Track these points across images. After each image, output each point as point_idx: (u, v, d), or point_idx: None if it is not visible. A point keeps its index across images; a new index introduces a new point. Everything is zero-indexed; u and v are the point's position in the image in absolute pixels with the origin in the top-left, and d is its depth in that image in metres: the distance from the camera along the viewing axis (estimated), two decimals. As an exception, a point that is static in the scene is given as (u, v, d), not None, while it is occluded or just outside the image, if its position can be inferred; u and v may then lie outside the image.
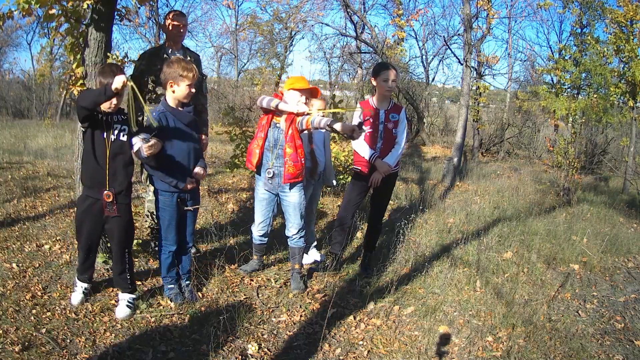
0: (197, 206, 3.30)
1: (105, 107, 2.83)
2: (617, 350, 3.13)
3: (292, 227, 3.64)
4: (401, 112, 3.93)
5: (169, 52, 3.79)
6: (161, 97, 3.37)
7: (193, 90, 3.04)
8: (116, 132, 2.89)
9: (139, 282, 3.44)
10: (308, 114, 3.42)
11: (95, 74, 2.88)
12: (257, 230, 3.76)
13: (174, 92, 3.02)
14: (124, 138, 2.91)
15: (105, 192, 2.88)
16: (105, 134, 2.86)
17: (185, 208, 3.19)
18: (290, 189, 3.55)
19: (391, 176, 4.00)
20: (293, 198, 3.58)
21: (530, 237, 5.14)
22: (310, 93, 3.54)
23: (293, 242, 3.67)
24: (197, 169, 3.18)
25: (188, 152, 3.11)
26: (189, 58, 3.86)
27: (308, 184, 3.89)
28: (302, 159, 3.51)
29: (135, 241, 3.78)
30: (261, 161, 3.53)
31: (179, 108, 3.07)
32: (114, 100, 2.84)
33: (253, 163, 3.54)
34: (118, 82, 2.57)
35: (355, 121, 3.80)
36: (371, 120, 3.87)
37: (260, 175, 3.60)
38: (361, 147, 3.90)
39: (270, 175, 3.51)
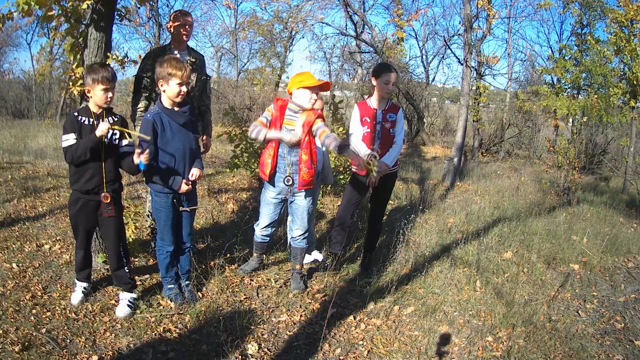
0: (193, 207, 3.28)
1: (101, 102, 2.86)
2: (617, 350, 3.13)
3: (298, 229, 3.63)
4: (398, 111, 3.95)
5: (174, 52, 3.79)
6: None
7: (184, 89, 2.99)
8: (109, 135, 2.90)
9: (138, 282, 3.44)
10: (297, 142, 3.37)
11: (85, 73, 2.89)
12: (262, 230, 3.72)
13: (164, 91, 3.00)
14: (116, 142, 2.95)
15: (103, 194, 2.92)
16: None
17: (182, 209, 3.18)
18: (302, 193, 3.56)
19: (390, 176, 3.99)
20: (303, 202, 3.58)
21: (530, 237, 5.14)
22: (321, 88, 3.49)
23: (296, 242, 3.68)
24: (193, 170, 3.16)
25: (183, 152, 3.09)
26: (192, 59, 3.85)
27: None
28: (316, 165, 3.51)
29: (133, 239, 3.80)
30: (274, 170, 3.48)
31: (175, 108, 3.05)
32: (110, 94, 2.86)
33: (267, 173, 3.47)
34: (103, 128, 2.77)
35: (355, 121, 3.88)
36: (368, 120, 3.89)
37: (274, 185, 3.52)
38: (359, 147, 3.90)
39: (290, 183, 3.48)
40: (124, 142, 2.97)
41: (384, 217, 4.62)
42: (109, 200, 2.94)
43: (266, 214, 3.64)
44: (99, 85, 2.81)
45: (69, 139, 2.81)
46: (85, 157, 2.81)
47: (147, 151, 2.83)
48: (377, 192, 4.10)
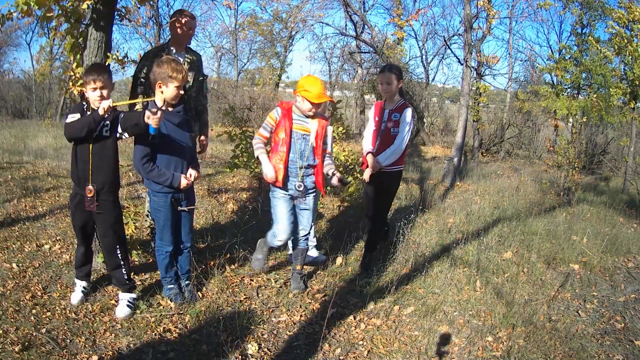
0: (192, 207, 3.27)
1: (92, 102, 2.88)
2: (617, 350, 3.13)
3: (303, 230, 3.64)
4: (403, 112, 3.92)
5: (172, 52, 3.77)
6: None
7: (181, 92, 3.01)
8: (98, 128, 2.90)
9: (138, 282, 3.44)
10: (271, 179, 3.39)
11: (83, 75, 2.91)
12: (283, 235, 3.49)
13: (162, 92, 3.01)
14: (107, 134, 2.93)
15: (88, 187, 2.91)
16: None
17: (180, 208, 3.18)
18: (312, 194, 3.59)
19: (386, 175, 3.97)
20: (311, 203, 3.61)
21: (530, 237, 5.14)
22: (321, 105, 3.47)
23: (300, 243, 3.69)
24: (191, 171, 3.17)
25: (180, 152, 3.09)
26: (191, 58, 3.84)
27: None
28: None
29: (133, 239, 3.80)
30: (287, 174, 3.45)
31: (169, 108, 3.06)
32: (98, 93, 2.85)
33: (280, 179, 3.41)
34: (104, 106, 2.76)
35: (369, 119, 4.15)
36: (377, 118, 4.05)
37: (286, 189, 3.50)
38: (364, 143, 4.09)
39: (301, 189, 3.48)
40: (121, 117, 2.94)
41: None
42: (92, 195, 2.91)
43: (284, 215, 3.47)
44: (89, 86, 2.84)
45: (75, 117, 2.84)
46: (82, 134, 2.80)
47: (159, 113, 2.79)
48: (375, 191, 4.11)
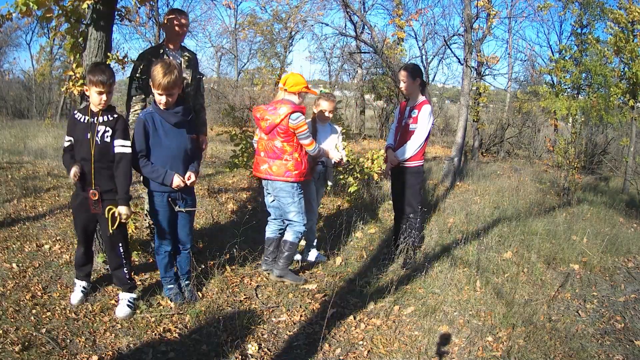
0: (189, 209, 3.26)
1: (95, 104, 2.91)
2: (617, 350, 3.13)
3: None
4: (422, 109, 4.06)
5: (167, 51, 3.77)
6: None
7: (162, 99, 3.00)
8: (100, 133, 2.90)
9: (138, 282, 3.44)
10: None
11: (88, 74, 2.92)
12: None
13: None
14: (108, 140, 2.92)
15: (91, 191, 2.93)
16: (89, 135, 2.89)
17: (177, 209, 3.18)
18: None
19: (405, 170, 4.13)
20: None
21: (530, 237, 5.13)
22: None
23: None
24: (189, 173, 3.17)
25: (177, 152, 3.09)
26: (187, 56, 3.84)
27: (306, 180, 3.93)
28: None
29: (133, 238, 3.80)
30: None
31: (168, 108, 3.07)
32: (104, 97, 2.88)
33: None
34: (72, 174, 2.87)
35: (395, 115, 4.43)
36: (399, 115, 4.27)
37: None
38: (387, 138, 4.34)
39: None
40: (117, 142, 2.92)
41: (412, 215, 4.33)
42: (96, 198, 2.94)
43: (303, 208, 3.76)
44: (94, 88, 2.85)
45: (65, 142, 2.97)
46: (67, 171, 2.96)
47: (127, 212, 2.94)
48: (399, 187, 4.25)
